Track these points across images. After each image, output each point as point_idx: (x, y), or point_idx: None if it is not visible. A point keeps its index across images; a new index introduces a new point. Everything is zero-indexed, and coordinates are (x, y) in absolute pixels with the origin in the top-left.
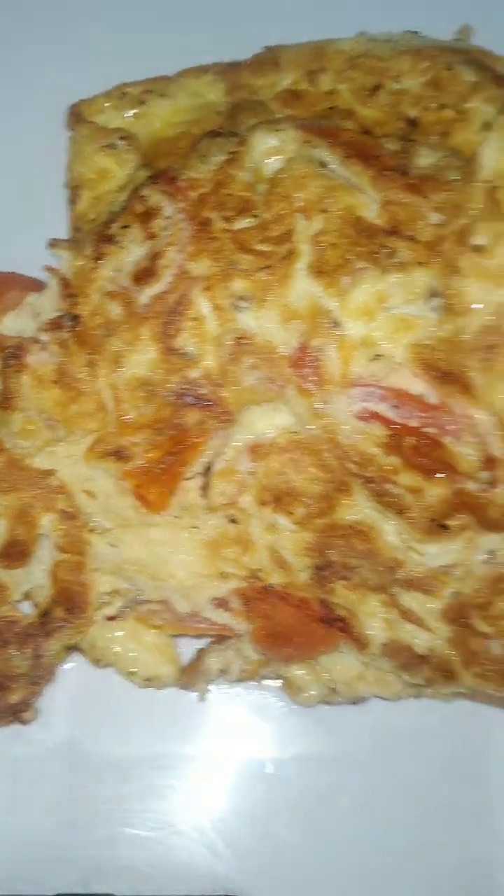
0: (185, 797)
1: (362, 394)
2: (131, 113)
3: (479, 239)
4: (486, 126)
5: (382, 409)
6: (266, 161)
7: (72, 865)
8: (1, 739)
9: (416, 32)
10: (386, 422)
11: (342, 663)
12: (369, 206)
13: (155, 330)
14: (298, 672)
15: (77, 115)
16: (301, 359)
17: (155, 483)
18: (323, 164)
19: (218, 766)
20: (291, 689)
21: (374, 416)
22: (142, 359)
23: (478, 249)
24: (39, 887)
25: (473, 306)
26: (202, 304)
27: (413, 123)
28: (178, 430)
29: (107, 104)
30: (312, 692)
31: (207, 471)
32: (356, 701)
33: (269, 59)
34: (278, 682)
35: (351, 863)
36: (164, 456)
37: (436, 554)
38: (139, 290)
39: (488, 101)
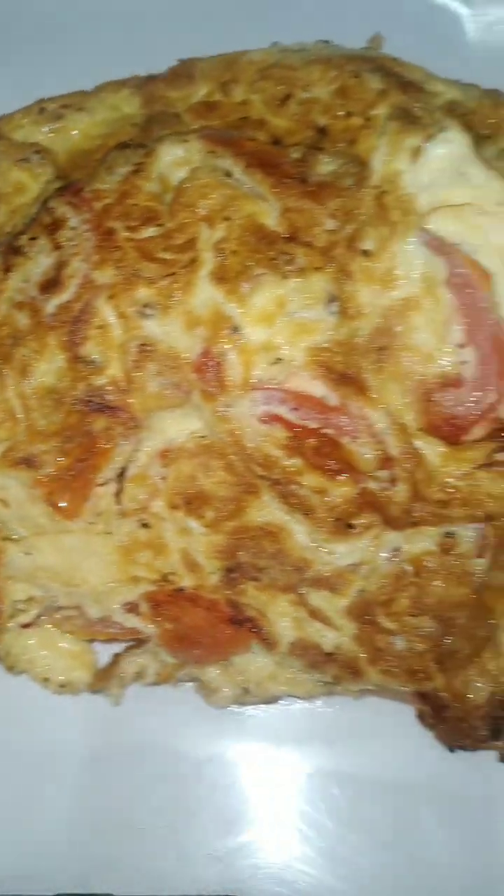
0: (185, 797)
1: (263, 397)
2: (48, 128)
3: (367, 244)
4: None
5: (283, 411)
6: (172, 171)
7: (72, 865)
8: (1, 741)
9: (327, 42)
10: (287, 424)
11: (255, 664)
12: (270, 213)
13: (61, 338)
14: (212, 673)
15: None
16: (204, 364)
17: (67, 490)
18: (228, 174)
19: (218, 766)
20: (205, 689)
21: (276, 419)
22: (49, 367)
23: (366, 254)
24: (39, 887)
25: (365, 310)
26: (107, 313)
27: (322, 132)
28: (87, 437)
29: (25, 120)
30: (225, 692)
31: (121, 476)
32: (269, 700)
33: (184, 72)
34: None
35: (350, 865)
36: (73, 463)
37: (344, 553)
38: (46, 300)
39: (393, 107)
